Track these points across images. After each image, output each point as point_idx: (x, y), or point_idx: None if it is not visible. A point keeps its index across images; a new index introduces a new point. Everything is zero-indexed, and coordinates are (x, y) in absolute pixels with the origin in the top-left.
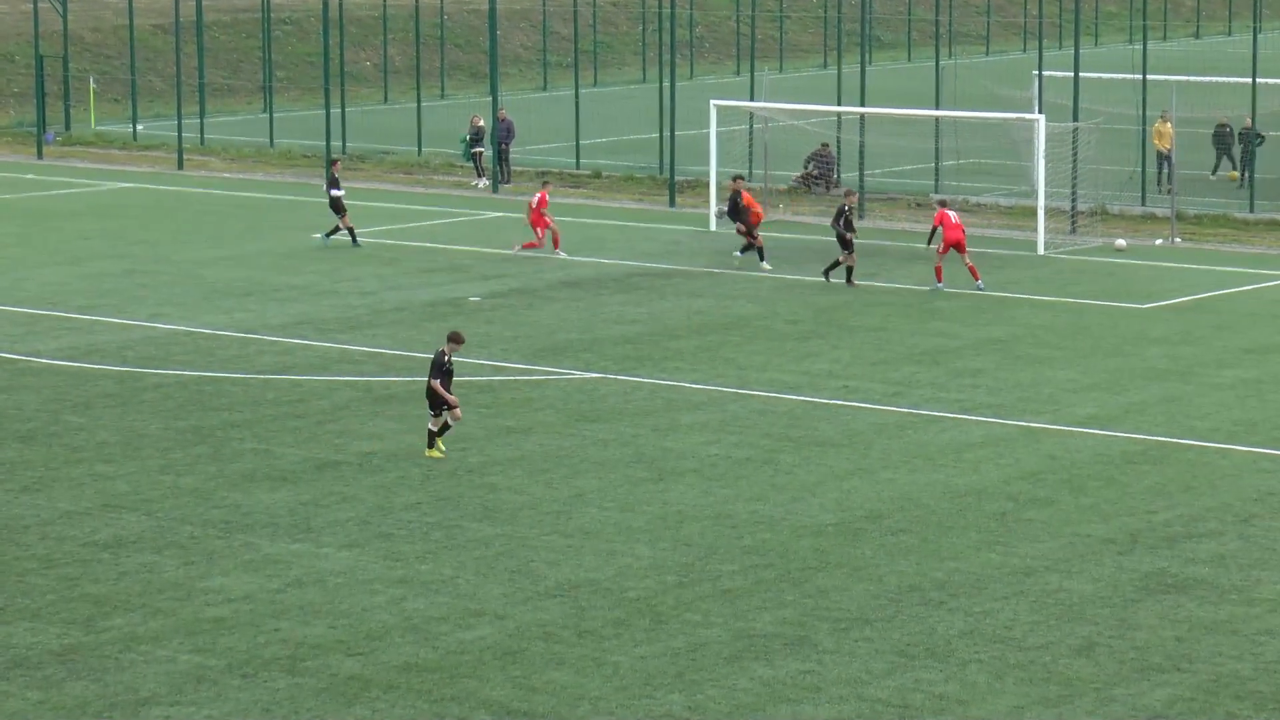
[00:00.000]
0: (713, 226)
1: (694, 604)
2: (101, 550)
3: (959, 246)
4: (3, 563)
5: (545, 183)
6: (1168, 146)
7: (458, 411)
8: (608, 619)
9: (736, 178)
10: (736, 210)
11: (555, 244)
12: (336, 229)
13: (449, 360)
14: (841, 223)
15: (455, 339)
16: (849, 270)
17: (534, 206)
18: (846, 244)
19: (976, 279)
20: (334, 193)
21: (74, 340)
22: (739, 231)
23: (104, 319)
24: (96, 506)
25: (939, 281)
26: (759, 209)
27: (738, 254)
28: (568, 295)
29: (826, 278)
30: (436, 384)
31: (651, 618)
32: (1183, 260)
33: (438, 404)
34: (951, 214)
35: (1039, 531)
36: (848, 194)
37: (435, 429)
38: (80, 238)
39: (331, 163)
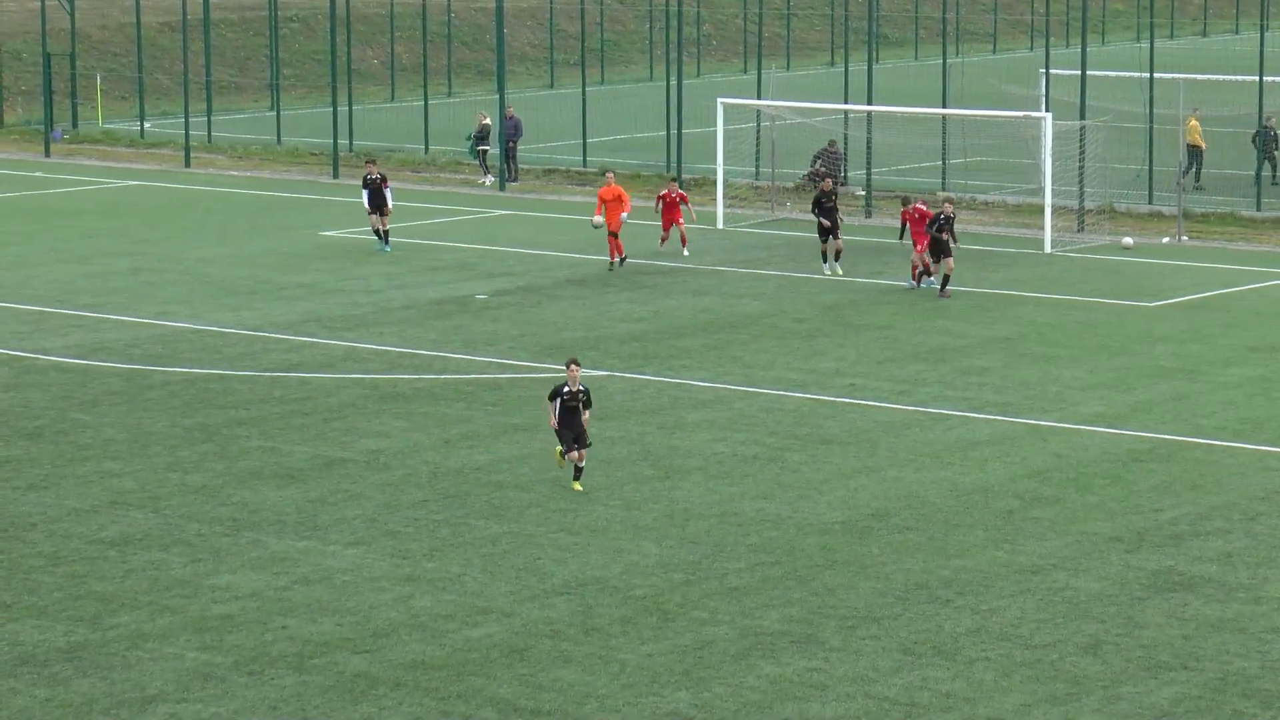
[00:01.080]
0: (719, 224)
1: (701, 602)
2: (108, 548)
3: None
4: (10, 560)
5: (674, 180)
6: (1197, 143)
7: (573, 454)
8: (615, 617)
9: (827, 177)
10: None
11: (683, 242)
12: (383, 232)
13: (568, 391)
14: (936, 229)
15: (569, 365)
16: (946, 278)
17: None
18: (945, 251)
19: (929, 276)
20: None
21: (81, 338)
22: (821, 226)
23: (111, 317)
24: (103, 504)
25: (930, 277)
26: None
27: (829, 266)
28: (574, 293)
29: (941, 289)
30: (550, 410)
31: (658, 615)
32: (1190, 258)
33: (561, 437)
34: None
35: (1046, 530)
36: (947, 201)
37: (578, 463)
38: (87, 235)
39: (369, 162)
